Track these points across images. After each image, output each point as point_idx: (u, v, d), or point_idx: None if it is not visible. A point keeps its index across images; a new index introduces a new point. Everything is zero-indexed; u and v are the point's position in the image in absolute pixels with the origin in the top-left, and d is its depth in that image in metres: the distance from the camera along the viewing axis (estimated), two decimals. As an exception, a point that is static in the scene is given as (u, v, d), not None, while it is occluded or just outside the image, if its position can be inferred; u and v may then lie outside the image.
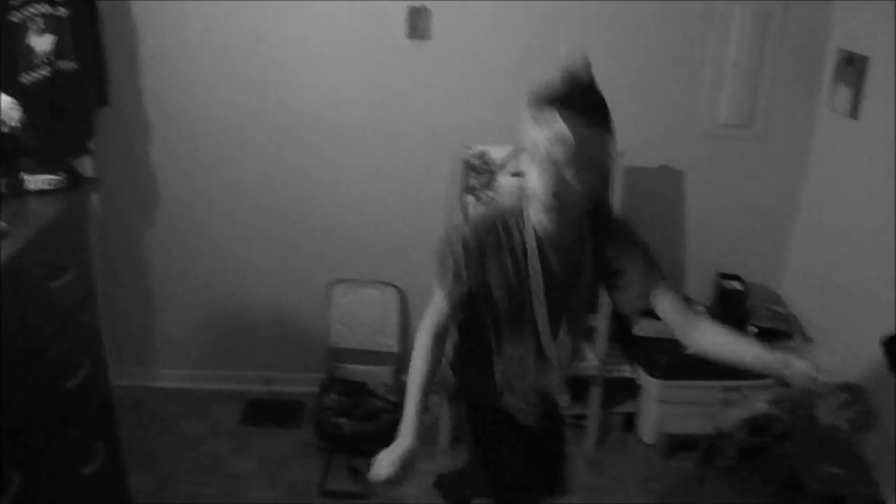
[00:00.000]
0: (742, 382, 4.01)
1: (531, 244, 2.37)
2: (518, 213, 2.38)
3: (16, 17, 3.19)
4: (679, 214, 4.36)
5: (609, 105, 2.30)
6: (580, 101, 2.23)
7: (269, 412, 4.33)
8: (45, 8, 3.23)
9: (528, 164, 2.24)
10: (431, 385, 2.39)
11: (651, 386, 4.08)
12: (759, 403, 3.88)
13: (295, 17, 3.92)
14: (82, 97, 3.48)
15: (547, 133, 2.16)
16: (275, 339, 4.43)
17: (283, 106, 4.04)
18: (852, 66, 3.81)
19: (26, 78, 3.17)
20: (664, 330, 4.04)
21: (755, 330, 4.08)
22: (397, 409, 4.07)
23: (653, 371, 4.07)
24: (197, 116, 4.04)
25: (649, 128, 4.16)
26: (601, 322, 3.99)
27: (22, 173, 2.43)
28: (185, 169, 4.13)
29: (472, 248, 2.33)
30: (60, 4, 3.28)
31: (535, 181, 2.22)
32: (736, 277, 4.29)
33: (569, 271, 2.43)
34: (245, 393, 4.44)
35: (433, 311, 2.40)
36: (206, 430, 4.16)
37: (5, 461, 2.02)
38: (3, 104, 2.45)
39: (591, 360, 4.03)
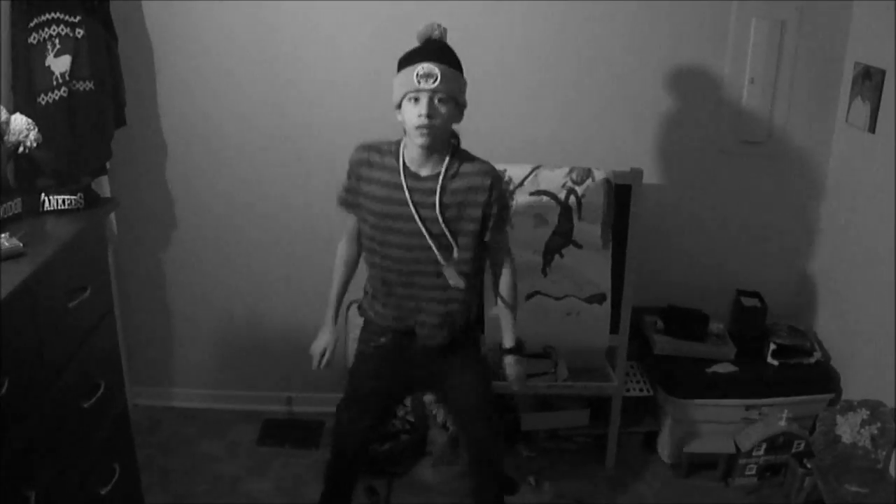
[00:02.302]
0: (762, 401, 4.00)
1: (400, 174, 2.86)
2: (393, 148, 2.90)
3: (33, 39, 3.20)
4: (697, 231, 4.34)
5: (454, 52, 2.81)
6: (440, 49, 2.77)
7: (286, 432, 4.32)
8: (61, 29, 3.24)
9: (403, 106, 2.77)
10: (349, 279, 3.16)
11: (670, 405, 4.05)
12: (779, 422, 3.87)
13: (313, 40, 3.92)
14: (99, 118, 3.49)
15: (418, 72, 2.69)
16: (292, 360, 4.41)
17: (301, 126, 4.04)
18: (870, 80, 3.79)
19: (43, 99, 3.18)
20: (684, 349, 4.06)
21: (774, 347, 4.05)
22: (415, 429, 4.07)
23: (672, 390, 4.04)
24: (214, 137, 4.05)
25: (668, 144, 4.15)
26: (620, 341, 3.97)
27: (40, 193, 2.44)
28: (202, 189, 4.14)
29: (350, 177, 2.97)
30: (77, 25, 3.29)
31: (410, 111, 2.73)
32: (755, 294, 4.26)
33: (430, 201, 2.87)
34: (262, 413, 4.43)
35: (347, 224, 3.11)
36: (223, 451, 4.15)
37: (21, 479, 2.01)
38: (20, 125, 2.46)
39: (611, 379, 4.01)
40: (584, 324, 3.92)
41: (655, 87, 4.07)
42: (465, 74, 2.81)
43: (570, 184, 3.81)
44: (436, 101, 2.70)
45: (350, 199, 3.01)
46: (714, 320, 4.25)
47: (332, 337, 3.16)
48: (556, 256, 3.86)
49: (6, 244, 2.09)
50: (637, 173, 3.84)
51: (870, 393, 3.70)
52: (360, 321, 3.17)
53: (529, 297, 3.86)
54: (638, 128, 4.12)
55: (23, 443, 2.02)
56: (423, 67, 2.69)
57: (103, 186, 3.63)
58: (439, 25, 2.81)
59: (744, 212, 4.31)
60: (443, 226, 2.82)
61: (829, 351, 4.17)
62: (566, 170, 3.81)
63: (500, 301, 3.13)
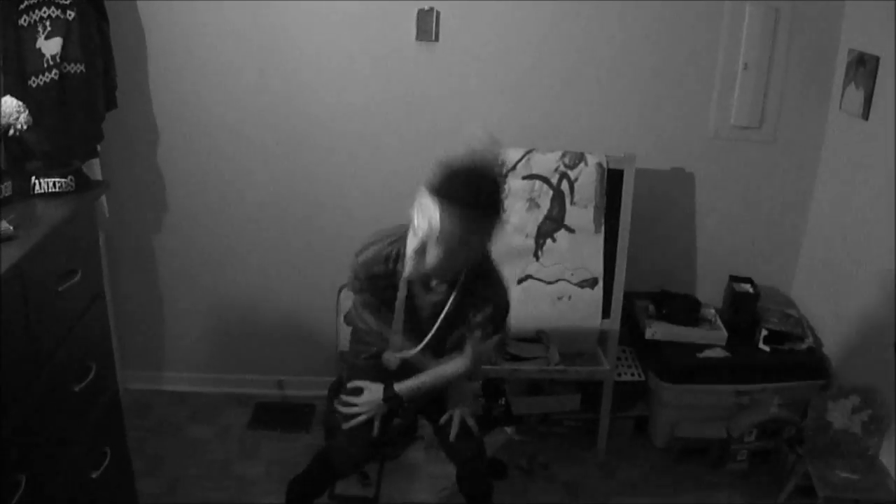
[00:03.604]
0: (754, 387, 4.00)
1: (402, 286, 2.79)
2: (399, 253, 2.73)
3: (24, 21, 3.18)
4: (690, 217, 4.34)
5: (498, 187, 2.57)
6: (469, 196, 2.47)
7: (277, 416, 4.32)
8: (52, 11, 3.22)
9: (416, 233, 2.55)
10: None
11: (662, 390, 4.06)
12: (770, 408, 3.88)
13: (304, 21, 3.90)
14: (90, 100, 3.47)
15: (434, 221, 2.45)
16: (283, 343, 4.42)
17: (292, 109, 4.03)
18: (863, 67, 3.79)
19: (34, 81, 3.16)
20: (676, 334, 4.07)
21: (766, 333, 4.06)
22: (406, 413, 4.06)
23: (664, 375, 4.05)
24: (205, 119, 4.03)
25: (660, 130, 4.15)
26: (611, 326, 3.98)
27: (30, 176, 2.43)
28: (194, 172, 4.13)
29: (368, 276, 2.82)
30: (68, 7, 3.26)
31: (415, 246, 2.56)
32: (747, 280, 4.27)
33: (431, 312, 2.84)
34: (254, 396, 4.43)
35: None
36: (214, 434, 4.15)
37: (12, 463, 2.01)
38: (10, 107, 2.44)
39: (602, 363, 4.01)
40: (576, 308, 3.93)
41: (649, 71, 4.06)
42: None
43: (562, 168, 3.81)
44: (459, 242, 2.51)
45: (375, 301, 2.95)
46: (706, 306, 4.27)
47: (379, 403, 3.00)
48: (549, 240, 3.86)
49: (-3, 227, 2.08)
50: (630, 158, 3.84)
51: (861, 379, 3.71)
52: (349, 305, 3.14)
53: (521, 281, 3.87)
54: (631, 112, 4.11)
55: (14, 426, 2.01)
56: (448, 216, 2.46)
57: (94, 169, 3.62)
58: (486, 135, 2.59)
59: (737, 197, 4.31)
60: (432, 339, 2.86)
61: (820, 337, 4.18)
62: (559, 154, 3.81)
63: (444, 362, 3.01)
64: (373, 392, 2.98)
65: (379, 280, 2.80)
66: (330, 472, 3.30)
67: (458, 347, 2.93)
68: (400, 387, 2.94)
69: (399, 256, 2.74)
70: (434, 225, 2.45)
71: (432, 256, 2.53)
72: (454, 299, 2.76)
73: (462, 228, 2.45)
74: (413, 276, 2.72)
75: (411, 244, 2.58)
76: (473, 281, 2.76)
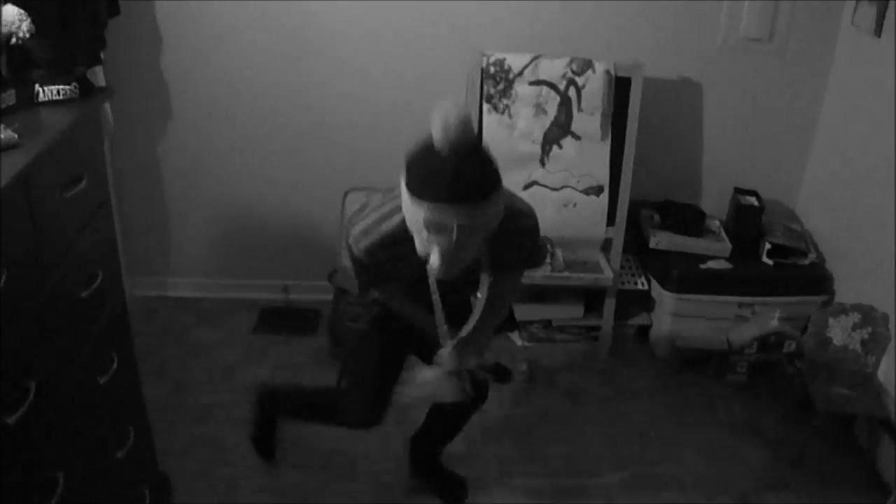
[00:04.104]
0: (756, 299, 4.03)
1: (433, 284, 2.52)
2: (396, 231, 2.36)
3: (24, -74, 3.13)
4: (696, 127, 4.31)
5: (483, 164, 2.15)
6: (457, 188, 2.08)
7: (283, 320, 4.36)
8: (54, -85, 3.17)
9: (413, 230, 2.23)
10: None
11: (665, 299, 4.08)
12: (771, 321, 3.90)
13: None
14: (93, 7, 3.43)
15: (427, 217, 2.11)
16: (289, 249, 4.44)
17: (297, 14, 3.98)
18: (878, -19, 3.73)
19: (35, -11, 3.12)
20: (680, 243, 4.07)
21: (770, 246, 4.06)
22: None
23: (667, 284, 4.07)
24: (209, 25, 3.99)
25: (668, 39, 4.11)
26: (616, 234, 3.99)
27: (34, 84, 2.41)
28: (198, 78, 4.10)
29: (373, 263, 2.49)
30: (69, -87, 3.21)
31: (423, 238, 2.19)
32: (752, 193, 4.26)
33: (464, 281, 2.51)
34: (259, 301, 4.47)
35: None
36: (219, 339, 4.20)
37: (21, 370, 2.03)
38: (12, 15, 2.41)
39: (606, 271, 4.03)
40: (581, 215, 3.94)
41: (659, -21, 4.00)
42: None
43: (570, 74, 3.79)
44: (460, 238, 2.14)
45: (376, 281, 2.67)
46: (710, 217, 4.27)
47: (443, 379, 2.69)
48: (555, 147, 3.86)
49: (1, 136, 2.07)
50: (638, 66, 3.82)
51: (863, 297, 3.73)
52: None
53: (527, 187, 3.88)
54: (640, 20, 4.06)
55: (22, 334, 2.03)
56: (435, 215, 2.10)
57: (98, 76, 3.59)
58: (459, 113, 2.10)
59: (744, 110, 4.28)
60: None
61: (824, 253, 4.19)
62: (567, 60, 3.79)
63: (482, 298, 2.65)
64: (432, 372, 2.70)
65: (385, 263, 2.49)
66: (330, 419, 3.12)
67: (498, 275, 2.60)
68: (466, 349, 2.68)
69: (398, 236, 2.36)
70: (425, 234, 2.16)
71: (436, 261, 2.19)
72: (486, 263, 2.49)
73: (459, 225, 2.10)
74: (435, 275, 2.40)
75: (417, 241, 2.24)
76: (497, 241, 2.38)
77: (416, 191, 2.12)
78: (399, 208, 2.29)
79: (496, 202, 2.16)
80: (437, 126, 2.07)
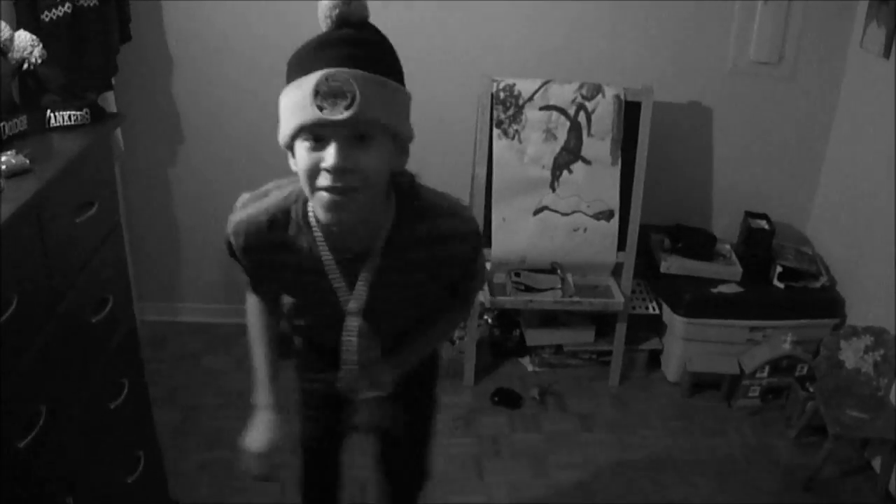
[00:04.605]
0: (767, 323, 4.02)
1: (320, 247, 1.90)
2: (296, 212, 1.90)
3: (36, -47, 3.15)
4: (707, 151, 4.31)
5: (392, 47, 1.79)
6: (354, 41, 1.68)
7: (292, 346, 4.33)
8: (65, -58, 3.19)
9: (297, 148, 1.69)
10: (275, 351, 2.22)
11: (676, 323, 4.07)
12: (783, 345, 3.89)
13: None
14: (104, 33, 3.45)
15: (318, 88, 1.60)
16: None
17: (307, 39, 3.99)
18: (886, 4, 3.72)
19: (47, 15, 3.13)
20: (690, 268, 4.07)
21: (781, 269, 4.05)
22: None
23: (678, 308, 4.06)
24: (219, 51, 4.01)
25: (678, 63, 4.11)
26: (626, 259, 3.98)
27: (45, 109, 2.42)
28: (208, 104, 4.12)
29: (241, 253, 2.04)
30: (82, -62, 3.24)
31: (307, 159, 1.66)
32: (763, 216, 4.25)
33: (384, 310, 2.02)
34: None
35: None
36: (230, 365, 4.18)
37: (32, 395, 2.04)
38: (24, 41, 2.43)
39: (617, 296, 4.02)
40: (592, 240, 3.94)
41: (668, 3, 4.01)
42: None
43: (580, 99, 3.80)
44: (354, 141, 1.63)
45: (258, 285, 2.22)
46: (721, 241, 4.26)
47: (273, 433, 2.11)
48: (565, 172, 3.87)
49: (13, 161, 2.08)
50: (647, 90, 3.83)
51: (874, 319, 3.71)
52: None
53: (537, 212, 3.89)
54: (649, 44, 4.07)
55: (33, 358, 2.04)
56: (327, 80, 1.59)
57: (109, 102, 3.61)
58: None
59: (754, 133, 4.28)
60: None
61: (835, 276, 4.18)
62: (576, 85, 3.80)
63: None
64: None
65: (277, 257, 1.96)
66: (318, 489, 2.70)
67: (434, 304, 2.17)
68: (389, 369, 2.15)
69: (280, 213, 1.93)
70: (311, 140, 1.65)
71: (330, 159, 1.62)
72: (386, 250, 1.89)
73: (361, 96, 1.59)
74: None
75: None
76: (409, 227, 1.88)
77: (299, 69, 1.68)
78: (284, 185, 1.97)
79: (401, 102, 1.73)
80: (323, 6, 1.71)
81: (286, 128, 1.68)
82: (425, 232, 1.88)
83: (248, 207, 2.01)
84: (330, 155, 1.61)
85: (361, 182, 1.65)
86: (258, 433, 2.10)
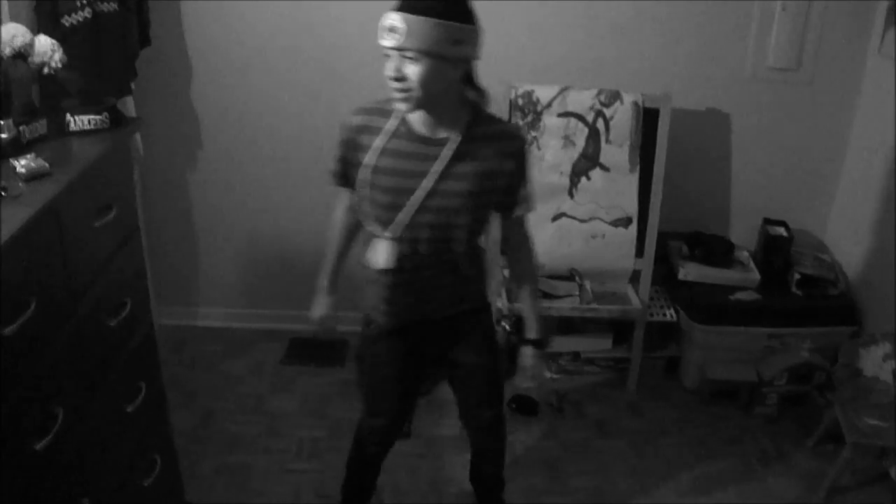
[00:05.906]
0: (785, 330, 4.00)
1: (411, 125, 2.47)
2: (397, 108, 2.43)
3: (56, -41, 3.17)
4: (725, 158, 4.30)
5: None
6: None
7: (311, 351, 4.36)
8: (85, -51, 3.21)
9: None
10: (347, 247, 2.94)
11: (693, 331, 4.06)
12: (801, 352, 3.87)
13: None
14: (124, 38, 3.47)
15: (382, 23, 2.26)
16: (318, 278, 4.44)
17: (325, 45, 4.01)
18: (905, 10, 3.72)
19: (67, 20, 3.15)
20: (708, 275, 4.06)
21: (799, 277, 4.04)
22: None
23: (695, 316, 4.05)
24: (238, 56, 4.03)
25: (696, 70, 4.11)
26: (644, 265, 3.98)
27: (65, 114, 2.44)
28: (227, 108, 4.13)
29: (343, 146, 2.65)
30: (100, -55, 3.26)
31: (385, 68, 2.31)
32: (781, 223, 4.24)
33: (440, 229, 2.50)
34: (287, 331, 4.47)
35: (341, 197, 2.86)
36: (248, 369, 4.20)
37: (49, 397, 2.05)
38: (44, 46, 2.45)
39: (635, 303, 4.02)
40: (610, 247, 3.94)
41: (686, 9, 4.00)
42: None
43: (598, 106, 3.80)
44: (405, 60, 2.26)
45: (344, 173, 2.70)
46: (739, 248, 4.25)
47: (328, 308, 2.97)
48: (583, 179, 3.87)
49: (32, 165, 2.10)
50: (666, 97, 3.82)
51: (893, 327, 3.69)
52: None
53: (555, 219, 3.89)
54: (667, 51, 4.07)
55: (51, 361, 2.05)
56: (387, 21, 2.24)
57: (128, 106, 3.63)
58: None
59: (772, 140, 4.27)
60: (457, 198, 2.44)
61: (853, 283, 4.16)
62: (595, 91, 3.80)
63: (519, 285, 2.79)
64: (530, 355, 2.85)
65: (373, 141, 2.53)
66: (366, 464, 3.07)
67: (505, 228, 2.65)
68: (535, 325, 2.82)
69: (379, 105, 2.54)
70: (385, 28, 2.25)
71: (390, 70, 2.30)
72: (464, 138, 2.43)
73: (409, 31, 2.21)
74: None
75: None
76: (478, 127, 2.45)
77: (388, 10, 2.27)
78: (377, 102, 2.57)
79: (449, 28, 2.23)
80: None
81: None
82: (493, 130, 2.47)
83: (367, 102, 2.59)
84: (387, 67, 2.30)
85: (411, 86, 2.28)
86: (317, 307, 3.00)
